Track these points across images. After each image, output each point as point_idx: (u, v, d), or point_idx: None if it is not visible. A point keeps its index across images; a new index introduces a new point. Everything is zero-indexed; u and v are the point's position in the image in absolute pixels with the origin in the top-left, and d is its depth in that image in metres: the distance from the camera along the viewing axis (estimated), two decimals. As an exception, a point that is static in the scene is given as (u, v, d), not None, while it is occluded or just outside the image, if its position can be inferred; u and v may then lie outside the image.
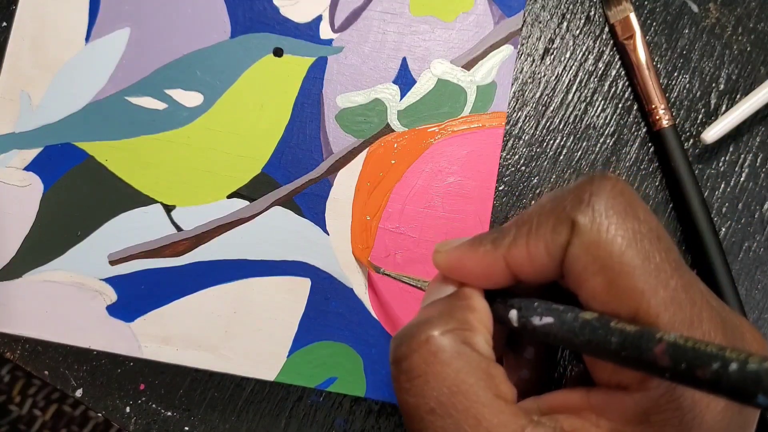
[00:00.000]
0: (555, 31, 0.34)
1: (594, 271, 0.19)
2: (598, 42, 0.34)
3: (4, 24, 0.34)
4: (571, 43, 0.34)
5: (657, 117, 0.33)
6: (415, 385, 0.19)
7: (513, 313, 0.21)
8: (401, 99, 0.31)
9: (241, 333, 0.30)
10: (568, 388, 0.21)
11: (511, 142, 0.33)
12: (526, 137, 0.33)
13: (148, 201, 0.31)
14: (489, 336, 0.21)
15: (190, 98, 0.31)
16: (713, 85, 0.34)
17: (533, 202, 0.33)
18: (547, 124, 0.34)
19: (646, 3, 0.34)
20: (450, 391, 0.19)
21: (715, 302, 0.20)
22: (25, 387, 0.80)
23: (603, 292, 0.19)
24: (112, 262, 0.30)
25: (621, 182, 0.20)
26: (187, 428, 0.32)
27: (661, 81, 0.34)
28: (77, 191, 0.31)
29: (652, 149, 0.34)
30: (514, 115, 0.34)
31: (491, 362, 0.20)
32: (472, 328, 0.20)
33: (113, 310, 0.30)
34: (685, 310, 0.18)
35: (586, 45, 0.34)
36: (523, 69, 0.34)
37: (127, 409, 0.32)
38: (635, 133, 0.34)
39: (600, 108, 0.34)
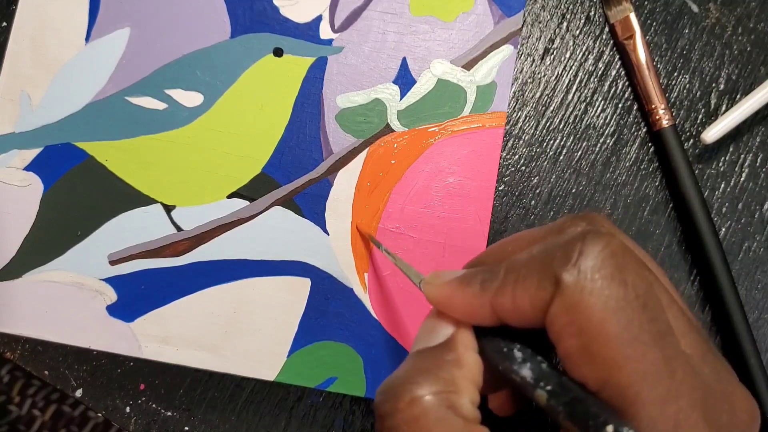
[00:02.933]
0: (555, 31, 0.34)
1: (571, 333, 0.18)
2: (598, 42, 0.34)
3: (4, 24, 0.34)
4: (571, 43, 0.34)
5: (657, 117, 0.33)
6: None
7: (518, 355, 0.21)
8: (401, 99, 0.31)
9: (241, 333, 0.30)
10: None
11: (511, 142, 0.33)
12: (526, 137, 0.33)
13: (148, 201, 0.31)
14: (476, 394, 0.20)
15: (190, 98, 0.31)
16: (713, 85, 0.34)
17: (533, 202, 0.33)
18: (547, 124, 0.34)
19: (646, 3, 0.34)
20: None
21: (708, 368, 0.19)
22: (25, 387, 0.80)
23: (577, 355, 0.19)
24: (112, 262, 0.30)
25: (615, 241, 0.19)
26: (187, 428, 0.32)
27: (661, 81, 0.34)
28: (77, 191, 0.31)
29: (652, 149, 0.34)
30: (514, 115, 0.34)
31: (474, 427, 0.19)
32: (458, 390, 0.20)
33: (113, 310, 0.30)
34: (662, 384, 0.18)
35: (586, 45, 0.34)
36: (523, 69, 0.34)
37: (127, 409, 0.32)
38: (635, 133, 0.34)
39: (600, 108, 0.34)
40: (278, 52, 0.32)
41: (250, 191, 0.31)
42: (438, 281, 0.22)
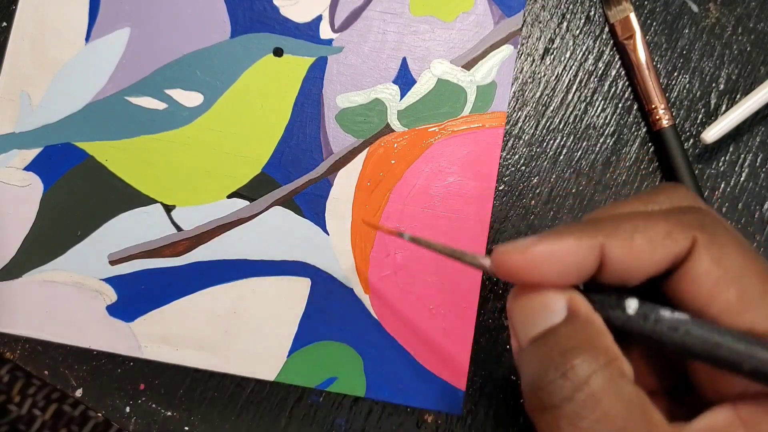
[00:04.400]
0: (555, 31, 0.34)
1: (727, 283, 0.19)
2: (598, 42, 0.34)
3: (4, 24, 0.34)
4: (571, 43, 0.34)
5: (657, 117, 0.33)
6: (583, 427, 0.18)
7: (632, 302, 0.19)
8: (401, 99, 0.31)
9: (241, 333, 0.30)
10: (712, 409, 0.20)
11: (511, 142, 0.33)
12: (526, 137, 0.33)
13: (148, 201, 0.31)
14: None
15: (190, 98, 0.31)
16: (713, 85, 0.34)
17: (533, 202, 0.33)
18: (547, 124, 0.34)
19: (646, 3, 0.34)
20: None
21: None
22: (25, 387, 0.80)
23: (739, 303, 0.19)
24: (112, 262, 0.30)
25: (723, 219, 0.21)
26: (187, 428, 0.32)
27: (661, 81, 0.34)
28: (77, 191, 0.31)
29: (652, 149, 0.34)
30: (514, 115, 0.34)
31: (645, 394, 0.19)
32: (618, 356, 0.18)
33: (113, 310, 0.30)
34: None
35: (586, 45, 0.34)
36: (523, 69, 0.34)
37: (127, 409, 0.32)
38: (635, 133, 0.34)
39: (600, 108, 0.34)
40: (278, 52, 0.31)
41: (250, 191, 0.31)
42: (520, 245, 0.19)
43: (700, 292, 0.19)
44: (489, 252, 0.31)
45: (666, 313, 0.18)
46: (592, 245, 0.19)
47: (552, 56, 0.34)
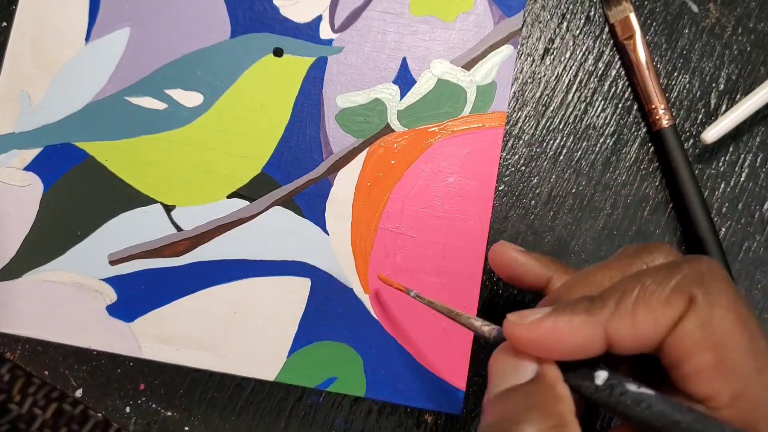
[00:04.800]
0: (555, 31, 0.34)
1: (705, 348, 0.19)
2: (598, 42, 0.34)
3: (4, 24, 0.34)
4: (571, 43, 0.34)
5: (657, 117, 0.33)
6: None
7: (601, 374, 0.20)
8: (401, 99, 0.31)
9: (241, 333, 0.30)
10: None
11: (511, 142, 0.33)
12: (526, 137, 0.33)
13: (148, 201, 0.31)
14: (578, 426, 0.20)
15: (190, 98, 0.31)
16: (713, 85, 0.34)
17: (533, 202, 0.33)
18: (547, 124, 0.34)
19: (646, 3, 0.34)
20: None
21: None
22: (25, 386, 0.80)
23: (710, 369, 0.19)
24: (112, 262, 0.30)
25: (722, 267, 0.20)
26: (187, 428, 0.32)
27: (661, 81, 0.34)
28: (77, 191, 0.31)
29: (652, 149, 0.34)
30: (514, 115, 0.34)
31: None
32: (568, 423, 0.19)
33: (113, 310, 0.30)
34: None
35: (586, 45, 0.34)
36: (523, 69, 0.34)
37: (127, 409, 0.32)
38: (635, 133, 0.34)
39: (600, 108, 0.34)
40: (278, 52, 0.31)
41: (250, 191, 0.31)
42: (528, 320, 0.21)
43: (680, 348, 0.19)
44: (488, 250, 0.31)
45: (632, 387, 0.19)
46: (596, 329, 0.20)
47: (552, 56, 0.34)
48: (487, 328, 0.24)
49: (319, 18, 0.32)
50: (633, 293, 0.20)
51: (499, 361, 0.21)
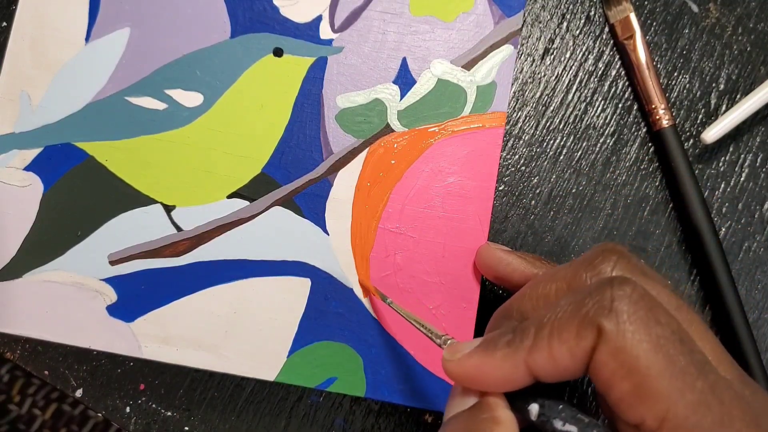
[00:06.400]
0: (555, 31, 0.34)
1: (621, 376, 0.19)
2: (598, 42, 0.34)
3: (4, 24, 0.34)
4: (571, 43, 0.34)
5: (657, 117, 0.33)
6: None
7: (534, 408, 0.21)
8: (401, 99, 0.31)
9: (241, 333, 0.30)
10: None
11: (511, 142, 0.33)
12: (526, 137, 0.33)
13: (148, 201, 0.31)
14: None
15: (190, 98, 0.31)
16: (713, 85, 0.34)
17: (533, 202, 0.33)
18: (547, 124, 0.34)
19: (646, 3, 0.34)
20: None
21: (748, 391, 0.20)
22: (25, 386, 0.80)
23: (631, 396, 0.19)
24: (112, 262, 0.30)
25: (639, 286, 0.20)
26: (187, 428, 0.32)
27: (661, 81, 0.34)
28: (77, 191, 0.31)
29: (652, 149, 0.34)
30: (514, 115, 0.34)
31: None
32: None
33: (113, 310, 0.30)
34: (714, 411, 0.18)
35: (586, 45, 0.34)
36: (523, 69, 0.34)
37: (127, 409, 0.32)
38: (635, 133, 0.34)
39: (600, 108, 0.34)
40: (278, 52, 0.31)
41: (250, 191, 0.31)
42: (458, 355, 0.22)
43: (601, 377, 0.20)
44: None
45: (558, 425, 0.20)
46: (516, 363, 0.21)
47: (552, 56, 0.34)
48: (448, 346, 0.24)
49: (319, 18, 0.32)
50: (549, 327, 0.20)
51: (453, 389, 0.23)
